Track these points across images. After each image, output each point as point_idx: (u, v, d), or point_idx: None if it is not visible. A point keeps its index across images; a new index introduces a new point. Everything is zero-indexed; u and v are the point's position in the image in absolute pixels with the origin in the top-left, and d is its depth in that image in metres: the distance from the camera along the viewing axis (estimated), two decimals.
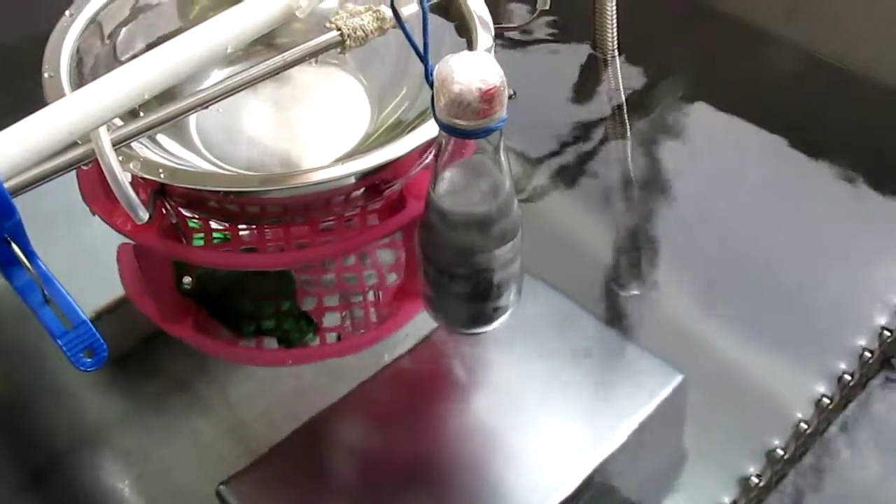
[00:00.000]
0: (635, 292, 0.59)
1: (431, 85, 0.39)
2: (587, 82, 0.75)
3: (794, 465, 0.51)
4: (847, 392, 0.53)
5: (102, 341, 0.32)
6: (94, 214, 0.47)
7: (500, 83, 0.38)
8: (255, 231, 0.49)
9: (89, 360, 0.32)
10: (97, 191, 0.47)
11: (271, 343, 0.54)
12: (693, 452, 0.52)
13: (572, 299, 0.57)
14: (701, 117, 0.72)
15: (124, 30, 0.53)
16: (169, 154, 0.49)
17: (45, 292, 0.32)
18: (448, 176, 0.42)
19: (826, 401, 0.53)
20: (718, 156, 0.69)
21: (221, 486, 0.48)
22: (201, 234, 0.48)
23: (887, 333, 0.56)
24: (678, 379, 0.52)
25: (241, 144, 0.52)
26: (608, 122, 0.71)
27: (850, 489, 0.51)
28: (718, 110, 0.72)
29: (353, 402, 0.52)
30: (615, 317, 0.58)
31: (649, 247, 0.63)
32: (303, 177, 0.43)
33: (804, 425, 0.52)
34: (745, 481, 0.50)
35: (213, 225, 0.49)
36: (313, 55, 0.42)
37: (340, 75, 0.56)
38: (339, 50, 0.43)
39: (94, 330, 0.32)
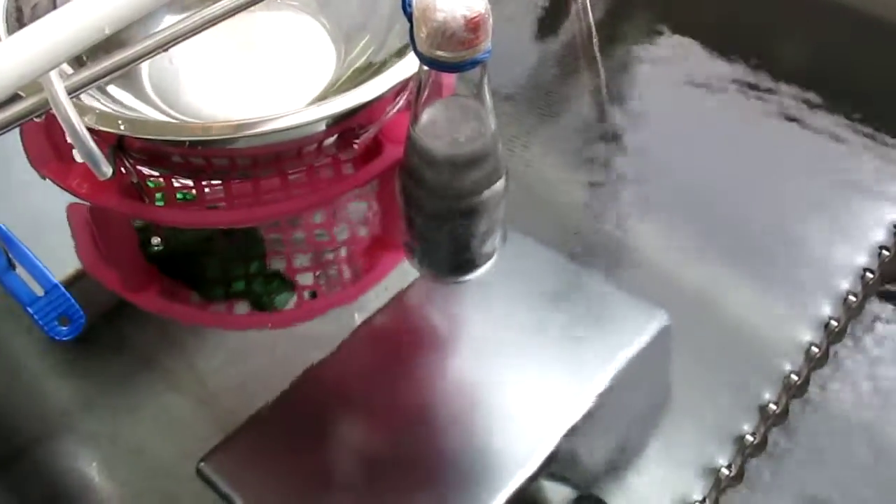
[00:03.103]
0: (612, 234, 0.58)
1: (410, 17, 0.37)
2: (555, 13, 0.72)
3: (802, 393, 0.51)
4: (849, 315, 0.53)
5: (78, 307, 0.29)
6: (44, 179, 0.43)
7: (486, 10, 0.36)
8: (222, 187, 0.46)
9: (65, 328, 0.29)
10: (47, 153, 0.43)
11: (244, 307, 0.51)
12: (679, 396, 0.51)
13: (546, 244, 0.55)
14: (677, 50, 0.69)
15: None
16: (122, 106, 0.45)
17: (10, 256, 0.29)
18: (429, 115, 0.40)
19: (834, 323, 0.53)
20: (696, 89, 0.67)
21: (202, 464, 0.46)
22: (163, 194, 0.45)
23: (886, 253, 0.56)
24: (662, 316, 0.51)
25: (197, 94, 0.49)
26: (579, 56, 0.69)
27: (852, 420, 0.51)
28: (695, 42, 0.69)
29: (329, 366, 0.50)
30: (593, 261, 0.57)
31: (625, 186, 0.61)
32: (271, 123, 0.40)
33: (815, 349, 0.52)
34: (763, 409, 0.50)
35: (177, 183, 0.45)
36: None
37: (300, 17, 0.53)
38: None
39: (67, 294, 0.29)
